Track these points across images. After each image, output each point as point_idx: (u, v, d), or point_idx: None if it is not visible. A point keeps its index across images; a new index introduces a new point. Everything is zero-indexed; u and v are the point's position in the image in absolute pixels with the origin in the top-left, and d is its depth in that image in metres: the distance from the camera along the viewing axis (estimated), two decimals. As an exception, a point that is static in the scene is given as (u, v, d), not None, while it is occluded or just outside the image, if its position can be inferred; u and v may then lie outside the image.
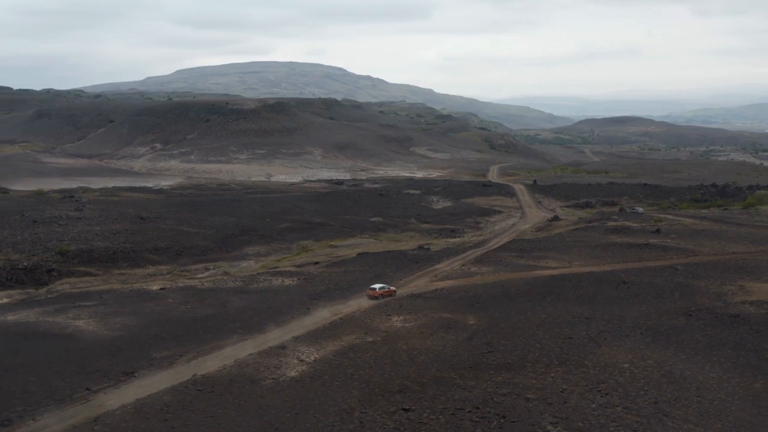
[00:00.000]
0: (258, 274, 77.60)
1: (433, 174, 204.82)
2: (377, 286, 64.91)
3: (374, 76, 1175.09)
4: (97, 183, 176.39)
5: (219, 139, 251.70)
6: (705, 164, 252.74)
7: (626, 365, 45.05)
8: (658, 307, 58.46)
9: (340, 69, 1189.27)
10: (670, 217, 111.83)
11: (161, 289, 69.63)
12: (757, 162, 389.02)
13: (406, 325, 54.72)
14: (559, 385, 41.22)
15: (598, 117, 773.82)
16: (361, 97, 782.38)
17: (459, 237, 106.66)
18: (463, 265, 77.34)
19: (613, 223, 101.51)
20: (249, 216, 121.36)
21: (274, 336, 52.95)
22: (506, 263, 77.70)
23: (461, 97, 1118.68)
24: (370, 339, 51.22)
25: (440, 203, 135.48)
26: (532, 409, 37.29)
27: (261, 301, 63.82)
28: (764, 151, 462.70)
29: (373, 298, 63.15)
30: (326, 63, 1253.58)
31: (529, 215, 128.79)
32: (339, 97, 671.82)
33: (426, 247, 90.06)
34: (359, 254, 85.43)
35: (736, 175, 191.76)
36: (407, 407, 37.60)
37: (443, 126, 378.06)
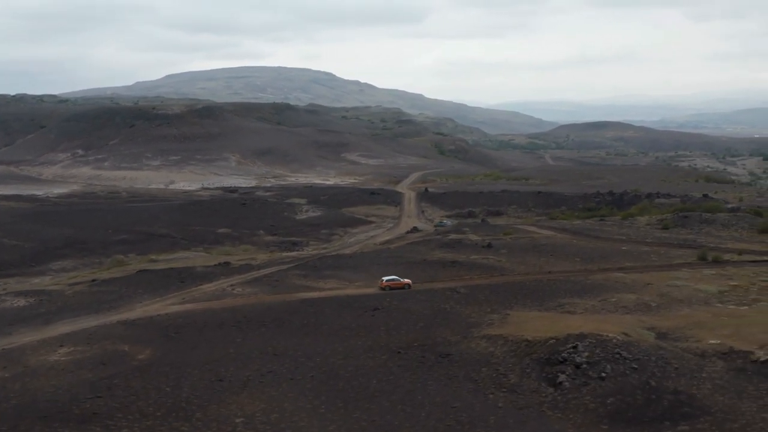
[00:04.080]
0: (6, 294, 70.16)
1: (347, 181, 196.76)
2: (386, 278, 65.58)
3: (365, 81, 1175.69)
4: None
5: (138, 145, 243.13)
6: (635, 170, 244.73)
7: (240, 420, 37.58)
8: (378, 340, 50.59)
9: (328, 74, 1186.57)
10: (530, 228, 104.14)
11: None
12: (721, 167, 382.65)
13: (64, 358, 47.27)
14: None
15: (582, 122, 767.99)
16: (348, 102, 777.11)
17: (297, 251, 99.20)
18: (231, 285, 69.66)
19: (454, 236, 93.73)
20: (92, 227, 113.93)
21: None
22: (283, 284, 70.03)
23: (450, 102, 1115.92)
24: (-4, 376, 43.84)
25: (308, 213, 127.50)
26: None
27: (-49, 329, 56.29)
28: (734, 156, 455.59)
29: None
30: (319, 68, 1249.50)
31: (402, 225, 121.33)
32: (324, 103, 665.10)
33: (227, 263, 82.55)
34: (139, 271, 78.07)
35: (660, 182, 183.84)
36: None
37: (397, 131, 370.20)
